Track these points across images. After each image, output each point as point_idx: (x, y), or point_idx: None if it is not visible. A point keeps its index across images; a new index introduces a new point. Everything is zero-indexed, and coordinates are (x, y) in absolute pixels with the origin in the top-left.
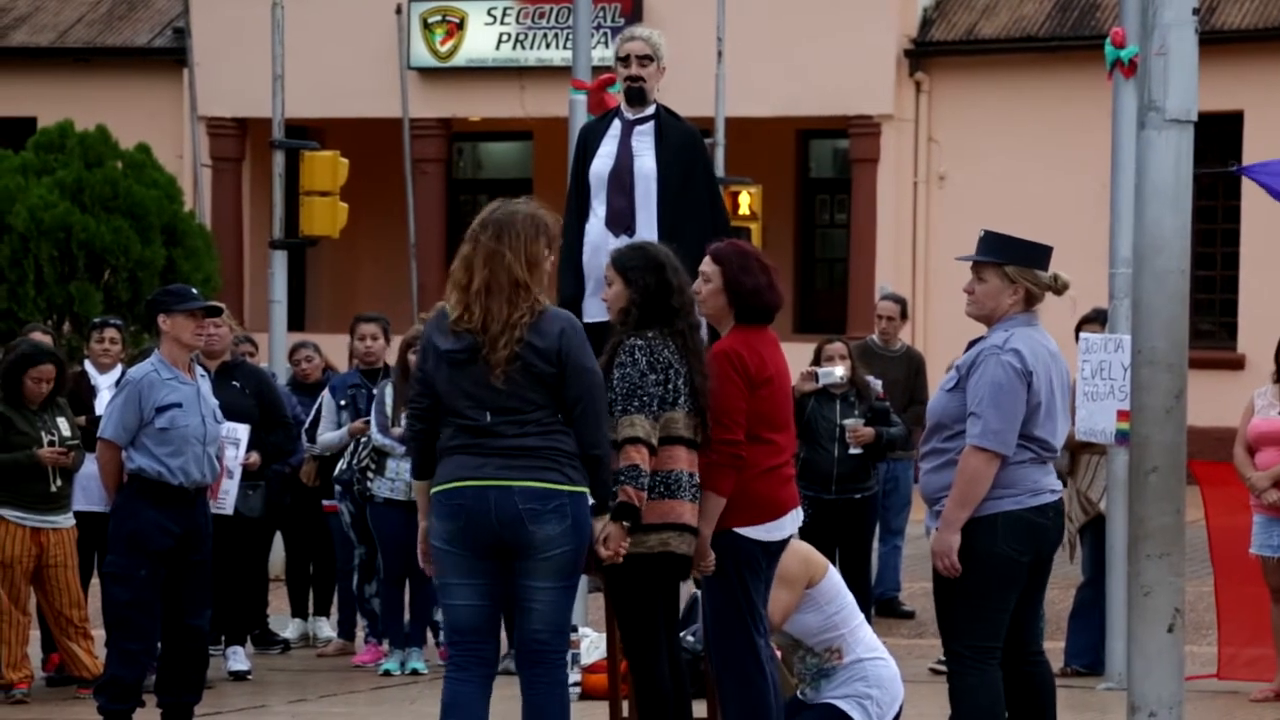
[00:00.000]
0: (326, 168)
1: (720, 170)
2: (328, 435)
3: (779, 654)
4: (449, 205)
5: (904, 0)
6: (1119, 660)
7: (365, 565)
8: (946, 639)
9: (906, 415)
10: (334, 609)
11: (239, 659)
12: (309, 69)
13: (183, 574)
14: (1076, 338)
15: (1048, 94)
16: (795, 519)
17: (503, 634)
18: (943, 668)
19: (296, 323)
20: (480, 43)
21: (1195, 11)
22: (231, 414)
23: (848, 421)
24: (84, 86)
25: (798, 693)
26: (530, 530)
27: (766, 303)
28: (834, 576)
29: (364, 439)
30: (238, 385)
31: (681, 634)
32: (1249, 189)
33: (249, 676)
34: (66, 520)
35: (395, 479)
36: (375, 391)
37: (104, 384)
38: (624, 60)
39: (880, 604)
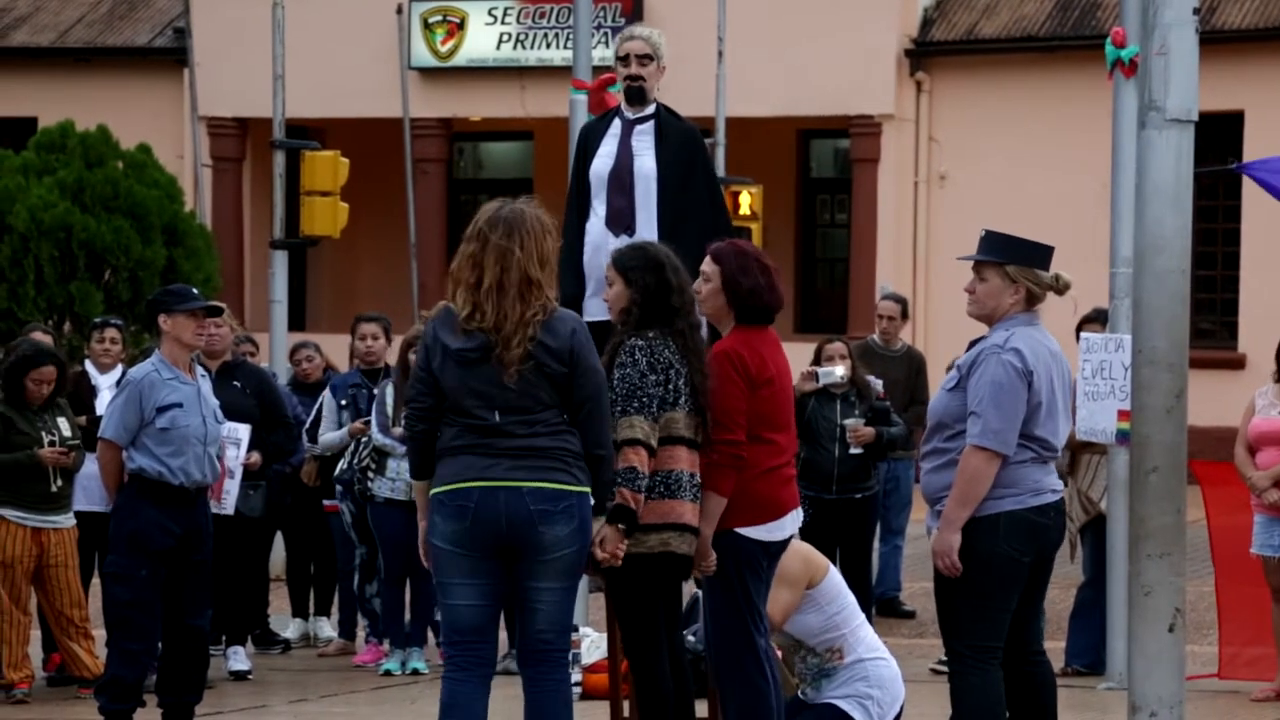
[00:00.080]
0: (327, 168)
1: (721, 170)
2: (328, 435)
3: (780, 654)
4: (449, 205)
5: (904, 0)
6: (1120, 660)
7: (366, 565)
8: (947, 639)
9: (907, 415)
10: (335, 609)
11: (240, 659)
12: (309, 69)
13: (183, 574)
14: (1077, 337)
15: (1048, 94)
16: (796, 519)
17: (501, 634)
18: (944, 668)
19: (297, 323)
20: (481, 42)
21: (1196, 11)
22: (232, 414)
23: (848, 421)
24: (85, 86)
25: (799, 692)
26: (540, 531)
27: (765, 303)
28: (835, 577)
29: (365, 439)
30: (238, 385)
31: (683, 633)
32: (1249, 188)
33: (250, 676)
34: (67, 520)
35: (396, 479)
36: (376, 391)
37: (104, 384)
38: (624, 60)
39: (881, 604)
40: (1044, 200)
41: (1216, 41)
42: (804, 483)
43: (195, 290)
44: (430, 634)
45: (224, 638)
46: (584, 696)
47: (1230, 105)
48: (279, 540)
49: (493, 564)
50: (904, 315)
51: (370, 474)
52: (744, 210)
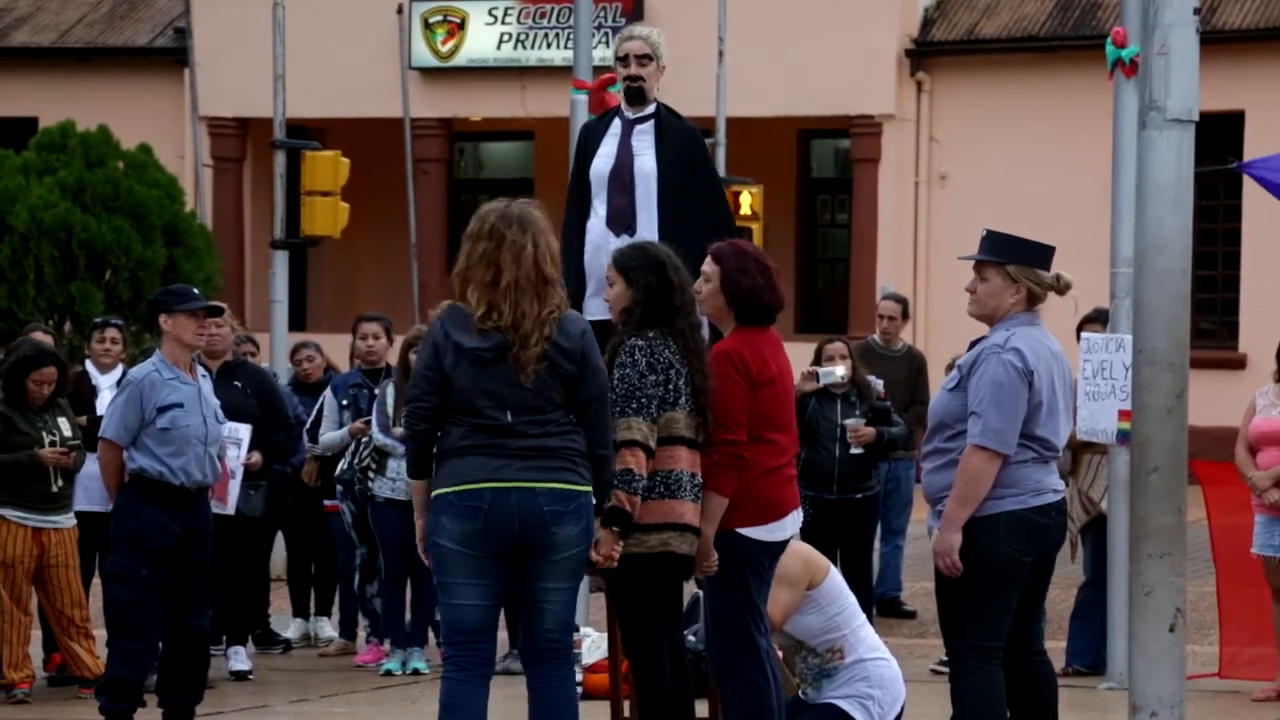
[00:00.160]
0: (328, 168)
1: (721, 170)
2: (329, 435)
3: (780, 654)
4: (450, 205)
5: (905, 0)
6: (1120, 660)
7: (366, 565)
8: (948, 639)
9: (908, 415)
10: (335, 609)
11: (240, 659)
12: (310, 69)
13: (184, 574)
14: (1078, 337)
15: (1049, 94)
16: (797, 519)
17: (501, 634)
18: (944, 668)
19: (298, 323)
20: (481, 42)
21: (1196, 11)
22: (233, 414)
23: (849, 421)
24: (85, 86)
25: (799, 693)
26: (552, 532)
27: (765, 303)
28: (835, 577)
29: (365, 439)
30: (239, 385)
31: (683, 633)
32: (1250, 188)
33: (250, 676)
34: (68, 520)
35: (396, 479)
36: (377, 391)
37: (105, 384)
38: (623, 60)
39: (882, 604)
40: (1045, 200)
41: (1217, 41)
42: (804, 483)
43: (196, 290)
44: (431, 634)
45: (225, 638)
46: (584, 696)
47: (1231, 105)
48: (280, 540)
49: (499, 565)
50: (904, 315)
51: (371, 474)
52: (744, 210)
